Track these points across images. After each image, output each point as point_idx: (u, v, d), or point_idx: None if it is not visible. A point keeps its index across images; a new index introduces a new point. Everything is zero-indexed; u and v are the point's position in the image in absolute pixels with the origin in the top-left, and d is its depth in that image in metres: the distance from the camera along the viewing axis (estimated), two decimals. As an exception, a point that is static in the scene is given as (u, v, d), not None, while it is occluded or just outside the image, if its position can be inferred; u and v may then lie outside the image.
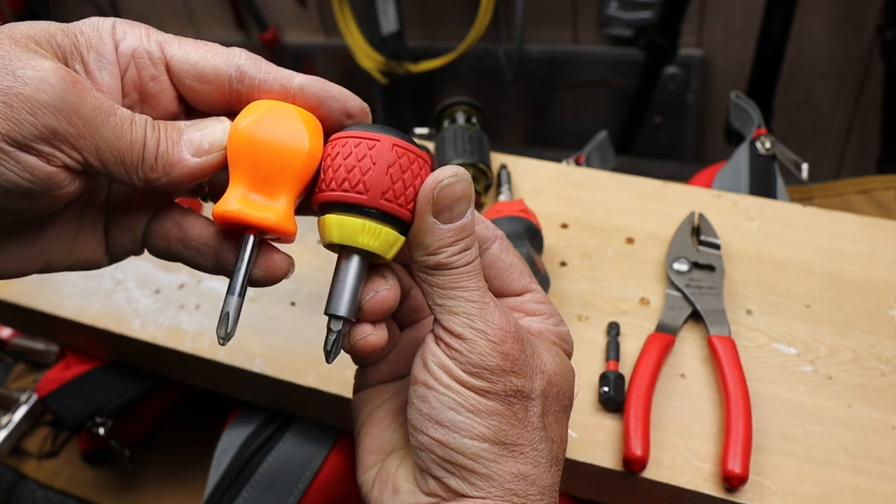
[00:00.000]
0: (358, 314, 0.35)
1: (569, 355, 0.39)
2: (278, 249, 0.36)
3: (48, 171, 0.30)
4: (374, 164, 0.33)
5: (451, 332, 0.34)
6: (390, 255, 0.34)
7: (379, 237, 0.33)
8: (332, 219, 0.33)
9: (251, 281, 0.35)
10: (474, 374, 0.34)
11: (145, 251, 0.38)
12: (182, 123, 0.34)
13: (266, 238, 0.35)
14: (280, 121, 0.33)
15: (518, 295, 0.39)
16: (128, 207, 0.37)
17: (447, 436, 0.34)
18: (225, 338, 0.34)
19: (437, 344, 0.34)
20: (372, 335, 0.35)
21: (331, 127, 0.35)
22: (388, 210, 0.33)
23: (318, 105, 0.34)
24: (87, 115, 0.30)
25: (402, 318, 0.41)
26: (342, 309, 0.34)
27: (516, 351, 0.34)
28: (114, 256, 0.37)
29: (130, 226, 0.37)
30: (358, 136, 0.33)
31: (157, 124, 0.33)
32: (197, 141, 0.33)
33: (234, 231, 0.35)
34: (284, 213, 0.33)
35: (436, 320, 0.35)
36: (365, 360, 0.41)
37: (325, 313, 0.34)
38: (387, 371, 0.41)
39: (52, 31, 0.32)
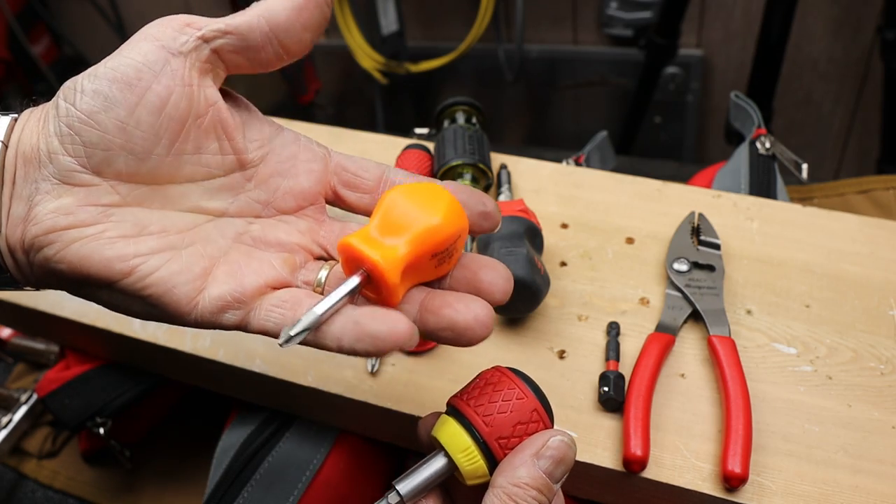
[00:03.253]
0: (409, 502, 0.37)
1: None
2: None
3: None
4: (509, 412, 0.37)
5: None
6: (470, 483, 0.37)
7: (472, 464, 0.37)
8: (452, 424, 0.37)
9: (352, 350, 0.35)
10: None
11: None
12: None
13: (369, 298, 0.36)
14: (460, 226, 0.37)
15: None
16: None
17: None
18: (287, 342, 0.34)
19: None
20: None
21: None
22: (493, 450, 0.37)
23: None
24: None
25: None
26: (406, 490, 0.37)
27: None
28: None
29: None
30: (516, 382, 0.38)
31: None
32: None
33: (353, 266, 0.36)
34: (399, 294, 0.35)
35: None
36: None
37: (393, 483, 0.37)
38: None
39: None
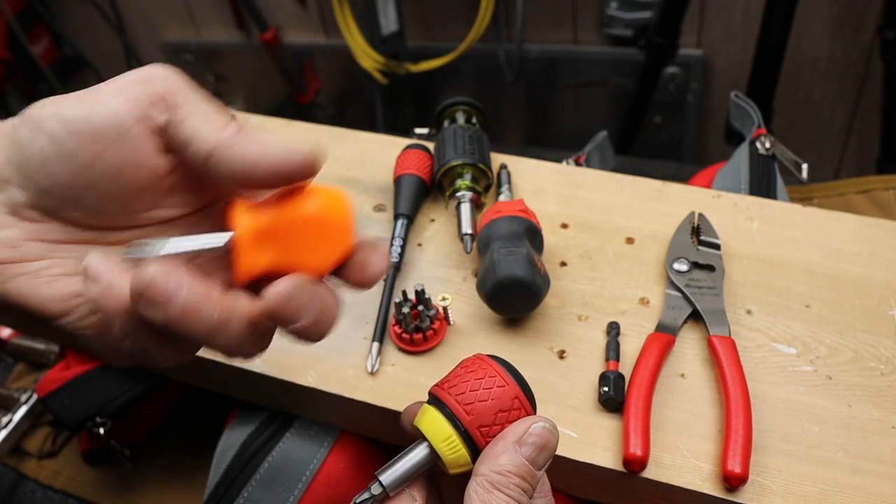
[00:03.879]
0: (392, 493, 0.37)
1: None
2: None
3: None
4: (490, 399, 0.37)
5: None
6: (452, 472, 0.37)
7: (454, 453, 0.37)
8: (433, 413, 0.37)
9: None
10: None
11: None
12: None
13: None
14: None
15: None
16: None
17: None
18: (128, 255, 0.33)
19: None
20: None
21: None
22: (475, 438, 0.37)
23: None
24: None
25: None
26: (389, 480, 0.37)
27: None
28: None
29: None
30: (496, 369, 0.38)
31: None
32: None
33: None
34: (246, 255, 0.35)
35: None
36: None
37: (376, 474, 0.37)
38: None
39: None
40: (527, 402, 0.38)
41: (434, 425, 0.37)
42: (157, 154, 0.34)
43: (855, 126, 1.53)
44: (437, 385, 0.39)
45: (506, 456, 0.36)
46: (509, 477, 0.35)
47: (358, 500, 0.37)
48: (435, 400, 0.38)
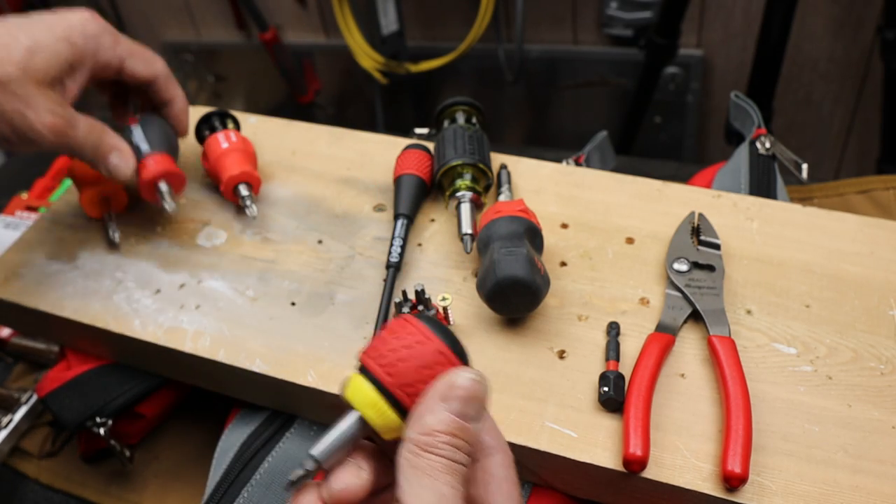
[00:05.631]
0: (327, 466, 0.36)
1: None
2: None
3: None
4: (411, 357, 0.35)
5: None
6: (387, 437, 0.36)
7: (382, 417, 0.35)
8: (357, 379, 0.36)
9: None
10: None
11: None
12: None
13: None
14: None
15: None
16: None
17: None
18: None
19: None
20: None
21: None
22: (400, 399, 0.35)
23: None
24: None
25: None
26: (321, 454, 0.35)
27: None
28: None
29: None
30: (417, 326, 0.36)
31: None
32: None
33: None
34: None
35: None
36: None
37: (309, 452, 0.36)
38: None
39: None
40: (453, 356, 0.36)
41: (359, 392, 0.36)
42: None
43: (855, 126, 1.53)
44: (362, 352, 0.37)
45: (430, 415, 0.33)
46: (437, 436, 0.33)
47: (293, 479, 0.35)
48: (360, 367, 0.37)
